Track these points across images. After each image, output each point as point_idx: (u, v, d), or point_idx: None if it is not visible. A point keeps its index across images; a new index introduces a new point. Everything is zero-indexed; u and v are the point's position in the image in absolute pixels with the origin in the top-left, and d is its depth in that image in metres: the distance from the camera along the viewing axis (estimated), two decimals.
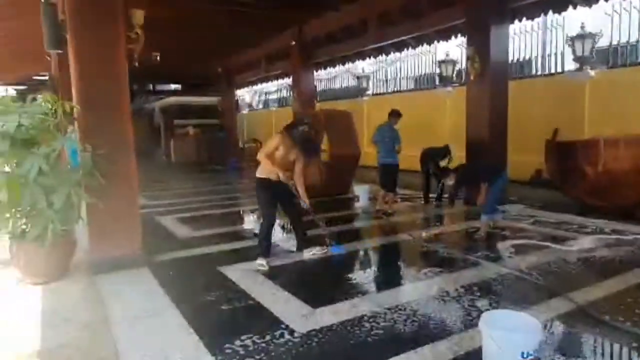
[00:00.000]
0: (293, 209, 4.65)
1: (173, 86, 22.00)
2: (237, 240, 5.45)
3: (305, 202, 4.55)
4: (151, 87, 21.63)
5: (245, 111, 21.62)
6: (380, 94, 14.57)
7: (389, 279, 4.37)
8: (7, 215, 4.03)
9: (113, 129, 4.19)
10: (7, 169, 3.94)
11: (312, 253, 4.64)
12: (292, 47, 11.99)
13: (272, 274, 4.13)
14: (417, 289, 3.76)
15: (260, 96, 22.80)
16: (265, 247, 4.41)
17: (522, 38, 10.27)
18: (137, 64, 6.78)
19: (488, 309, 3.17)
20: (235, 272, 4.17)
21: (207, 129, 15.43)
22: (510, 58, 9.11)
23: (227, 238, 5.56)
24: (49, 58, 10.10)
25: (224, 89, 17.59)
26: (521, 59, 10.38)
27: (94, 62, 4.14)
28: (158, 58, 10.64)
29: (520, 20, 8.18)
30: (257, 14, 9.64)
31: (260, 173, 4.46)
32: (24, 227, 4.07)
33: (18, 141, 3.88)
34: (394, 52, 11.38)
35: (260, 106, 22.62)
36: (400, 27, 9.26)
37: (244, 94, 22.88)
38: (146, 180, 10.60)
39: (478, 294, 3.58)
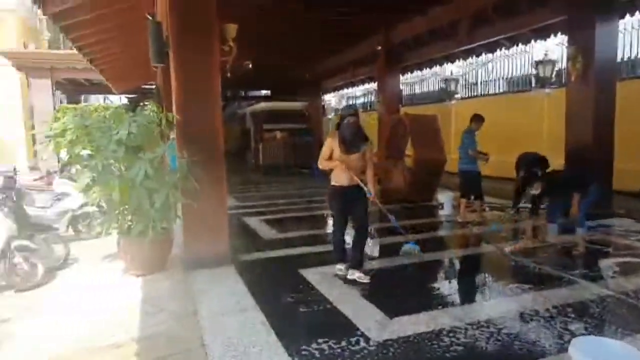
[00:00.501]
0: (361, 222, 4.40)
1: (263, 92, 22.96)
2: (319, 243, 5.54)
3: (371, 191, 4.31)
4: (243, 93, 22.77)
5: (331, 115, 21.92)
6: (469, 97, 13.97)
7: (472, 292, 4.20)
8: (117, 212, 4.54)
9: (206, 138, 4.52)
10: (117, 172, 4.44)
11: (356, 276, 4.20)
12: (378, 51, 11.96)
13: (351, 280, 4.16)
14: (503, 306, 3.56)
15: (347, 100, 22.98)
16: (339, 253, 4.42)
17: (633, 34, 9.24)
18: (229, 74, 7.19)
19: (583, 334, 2.92)
20: (315, 275, 4.28)
21: (294, 133, 15.85)
22: (620, 56, 8.24)
23: (309, 241, 5.70)
24: (155, 69, 11.08)
25: (311, 94, 18.03)
26: (633, 57, 9.33)
27: (191, 76, 4.50)
28: (250, 66, 11.25)
29: (632, 15, 7.39)
30: (345, 20, 9.77)
31: (333, 180, 4.40)
32: (129, 223, 4.55)
33: (129, 147, 4.36)
34: (485, 54, 10.88)
35: None
36: (493, 28, 8.81)
37: (331, 99, 23.22)
38: (236, 183, 11.22)
39: (572, 315, 3.31)
